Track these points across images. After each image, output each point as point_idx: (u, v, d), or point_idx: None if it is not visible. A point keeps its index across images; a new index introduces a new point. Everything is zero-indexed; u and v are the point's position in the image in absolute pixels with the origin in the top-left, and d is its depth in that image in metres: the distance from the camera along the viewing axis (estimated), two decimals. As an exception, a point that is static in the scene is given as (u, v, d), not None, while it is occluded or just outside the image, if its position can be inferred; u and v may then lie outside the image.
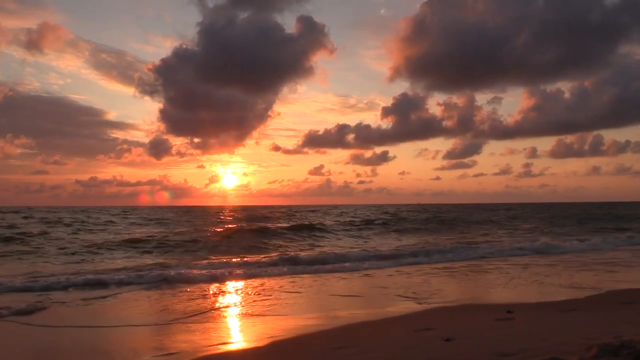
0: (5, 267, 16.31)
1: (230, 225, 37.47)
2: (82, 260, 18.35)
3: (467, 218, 50.50)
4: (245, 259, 17.87)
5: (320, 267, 16.33)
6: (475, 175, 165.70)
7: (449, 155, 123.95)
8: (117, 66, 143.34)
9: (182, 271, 14.71)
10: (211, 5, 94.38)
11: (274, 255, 19.32)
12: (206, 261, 17.56)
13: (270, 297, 11.20)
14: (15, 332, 8.15)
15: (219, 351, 6.79)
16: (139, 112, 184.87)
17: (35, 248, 21.73)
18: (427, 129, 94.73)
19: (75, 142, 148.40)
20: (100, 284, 12.76)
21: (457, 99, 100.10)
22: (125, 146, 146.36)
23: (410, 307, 9.73)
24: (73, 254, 20.03)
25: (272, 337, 7.42)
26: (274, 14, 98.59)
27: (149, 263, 17.09)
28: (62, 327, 8.41)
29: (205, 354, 6.59)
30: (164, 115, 79.68)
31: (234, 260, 17.74)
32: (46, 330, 8.18)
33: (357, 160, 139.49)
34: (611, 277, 13.73)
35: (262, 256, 19.19)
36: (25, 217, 49.37)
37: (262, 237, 27.54)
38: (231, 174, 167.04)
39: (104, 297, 11.15)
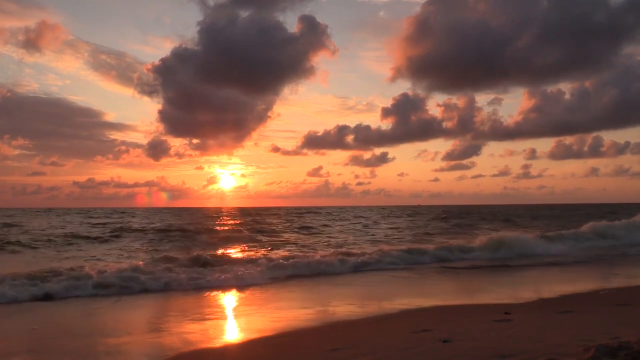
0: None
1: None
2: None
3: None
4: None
5: None
6: (474, 177, 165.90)
7: (448, 156, 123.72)
8: (116, 67, 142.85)
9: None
10: (212, 4, 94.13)
11: None
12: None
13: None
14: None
15: (210, 349, 6.81)
16: (138, 114, 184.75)
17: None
18: (427, 130, 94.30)
19: (73, 144, 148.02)
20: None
21: (458, 100, 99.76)
22: (123, 147, 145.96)
23: (406, 306, 9.74)
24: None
25: (267, 337, 7.43)
26: (275, 12, 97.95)
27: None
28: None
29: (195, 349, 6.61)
30: (163, 116, 79.15)
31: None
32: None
33: (356, 161, 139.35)
34: None
35: None
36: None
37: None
38: (229, 175, 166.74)
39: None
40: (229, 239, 26.94)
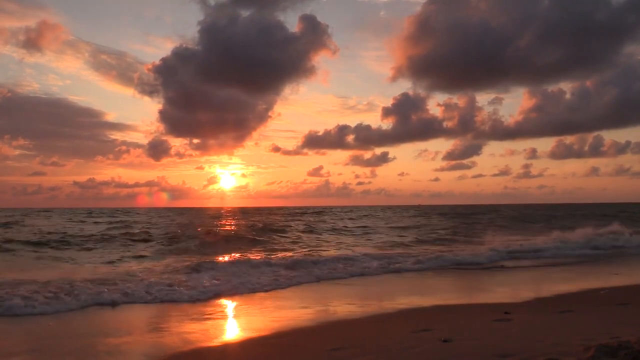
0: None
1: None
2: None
3: None
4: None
5: None
6: (474, 177, 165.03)
7: (449, 156, 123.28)
8: (117, 67, 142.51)
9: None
10: (212, 4, 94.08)
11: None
12: None
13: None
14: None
15: (211, 348, 6.83)
16: (139, 114, 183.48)
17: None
18: (428, 129, 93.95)
19: (73, 144, 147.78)
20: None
21: (458, 100, 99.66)
22: (124, 147, 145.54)
23: (406, 306, 9.74)
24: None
25: (267, 336, 7.45)
26: (276, 12, 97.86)
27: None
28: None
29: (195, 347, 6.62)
30: (163, 116, 79.09)
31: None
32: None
33: (356, 161, 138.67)
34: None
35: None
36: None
37: None
38: (230, 175, 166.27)
39: None
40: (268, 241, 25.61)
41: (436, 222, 44.42)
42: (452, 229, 35.64)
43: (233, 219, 56.60)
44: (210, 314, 9.41)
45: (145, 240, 25.01)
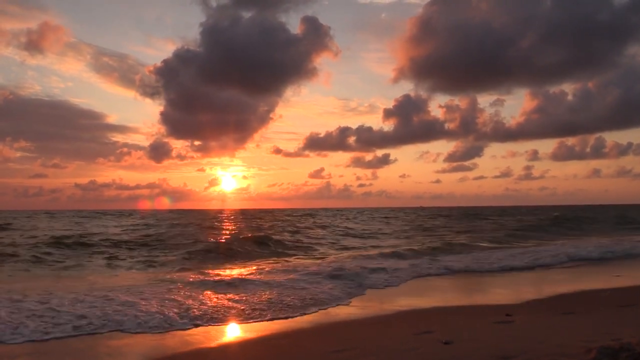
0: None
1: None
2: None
3: None
4: None
5: None
6: (476, 178, 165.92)
7: (450, 157, 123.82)
8: (119, 69, 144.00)
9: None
10: (214, 5, 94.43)
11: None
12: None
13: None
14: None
15: (211, 349, 6.82)
16: (140, 116, 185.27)
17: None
18: (429, 131, 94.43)
19: (75, 146, 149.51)
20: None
21: (460, 101, 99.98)
22: (125, 149, 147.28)
23: (407, 308, 9.72)
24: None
25: (267, 337, 7.43)
26: (278, 14, 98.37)
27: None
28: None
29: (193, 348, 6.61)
30: (165, 118, 79.79)
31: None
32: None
33: (358, 163, 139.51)
34: None
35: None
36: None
37: None
38: (231, 177, 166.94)
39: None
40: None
41: (463, 224, 43.16)
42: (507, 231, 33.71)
43: (250, 221, 52.65)
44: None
45: (171, 246, 22.73)
